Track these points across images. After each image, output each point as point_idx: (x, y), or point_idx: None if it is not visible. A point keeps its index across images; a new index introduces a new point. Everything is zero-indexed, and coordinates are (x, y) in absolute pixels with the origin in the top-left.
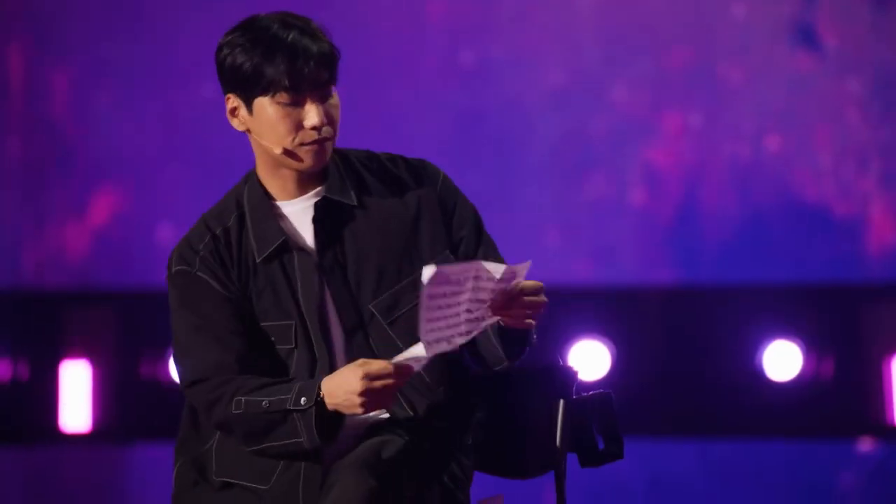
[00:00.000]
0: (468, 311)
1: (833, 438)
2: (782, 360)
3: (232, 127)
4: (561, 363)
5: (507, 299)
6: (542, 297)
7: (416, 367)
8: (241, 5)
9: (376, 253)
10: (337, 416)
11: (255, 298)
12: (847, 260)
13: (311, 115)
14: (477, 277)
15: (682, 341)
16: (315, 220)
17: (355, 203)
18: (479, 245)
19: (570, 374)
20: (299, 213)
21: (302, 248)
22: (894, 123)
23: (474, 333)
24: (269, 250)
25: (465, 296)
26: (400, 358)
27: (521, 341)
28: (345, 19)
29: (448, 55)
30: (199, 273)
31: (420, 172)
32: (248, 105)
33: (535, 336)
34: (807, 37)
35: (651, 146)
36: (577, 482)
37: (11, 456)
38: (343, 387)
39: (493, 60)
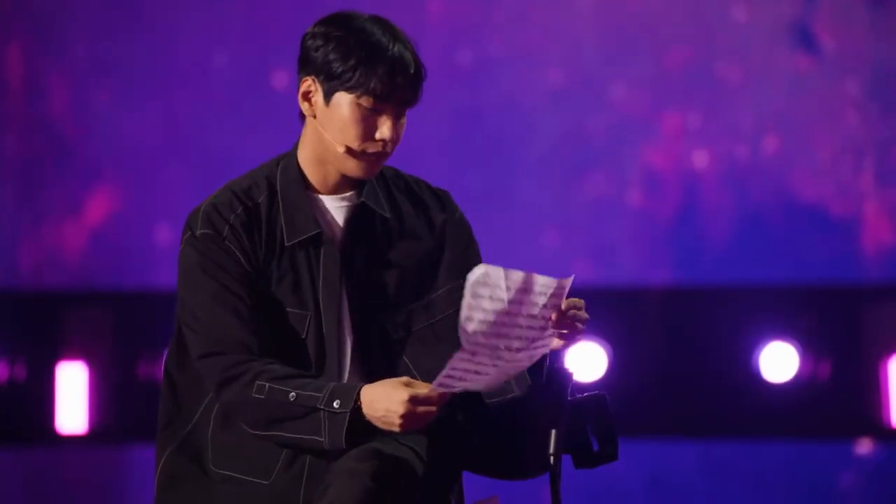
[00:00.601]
0: (520, 326)
1: (831, 439)
2: (779, 361)
3: (232, 125)
4: (557, 364)
5: (557, 316)
6: (585, 314)
7: (457, 390)
8: (241, 4)
9: (398, 268)
10: (367, 425)
11: (274, 282)
12: (844, 260)
13: (385, 127)
14: (526, 290)
15: (679, 342)
16: (348, 222)
17: (387, 214)
18: None
19: (565, 376)
20: (334, 210)
21: (329, 244)
22: (892, 124)
23: (535, 355)
24: (301, 238)
25: (518, 307)
26: (442, 374)
27: (539, 365)
28: None
29: (447, 54)
30: (227, 242)
31: (443, 201)
32: (328, 95)
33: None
34: (805, 38)
35: (650, 146)
36: (574, 483)
37: (9, 457)
38: (384, 403)
39: (491, 59)
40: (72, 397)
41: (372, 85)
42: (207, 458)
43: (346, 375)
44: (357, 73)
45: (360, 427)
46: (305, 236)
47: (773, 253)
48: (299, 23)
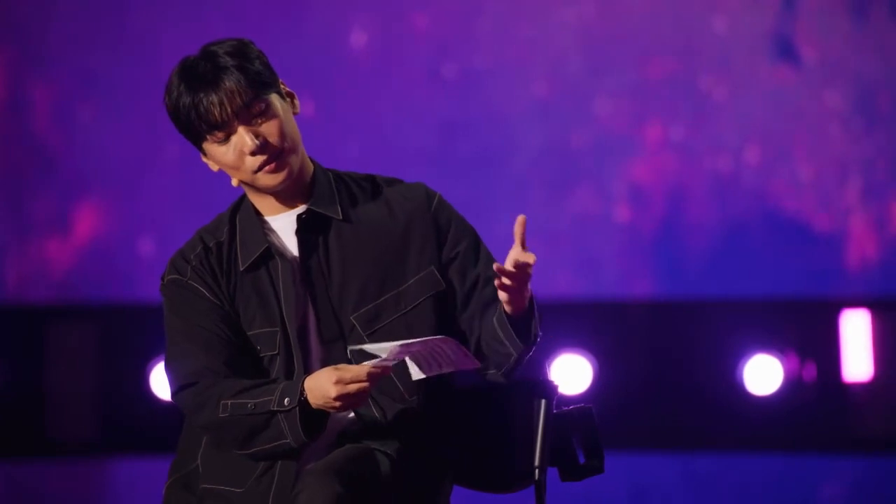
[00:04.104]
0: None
1: (814, 452)
2: (763, 374)
3: None
4: (542, 377)
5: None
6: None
7: (391, 365)
8: (224, 16)
9: (361, 265)
10: (321, 413)
11: (242, 308)
12: (828, 274)
13: (245, 141)
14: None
15: (664, 355)
16: (298, 232)
17: (340, 217)
18: (477, 261)
19: (550, 388)
20: (286, 227)
21: (286, 258)
22: (874, 137)
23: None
24: (253, 258)
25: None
26: (375, 360)
27: (525, 329)
28: (329, 31)
29: (432, 67)
30: (190, 281)
31: (415, 193)
32: (203, 153)
33: (538, 328)
34: (786, 50)
35: (633, 159)
36: (558, 496)
37: None
38: (320, 390)
39: (476, 72)
40: (59, 410)
41: (199, 125)
42: (198, 478)
43: None
44: (189, 126)
45: (315, 418)
46: (256, 255)
47: (758, 266)
48: (283, 35)
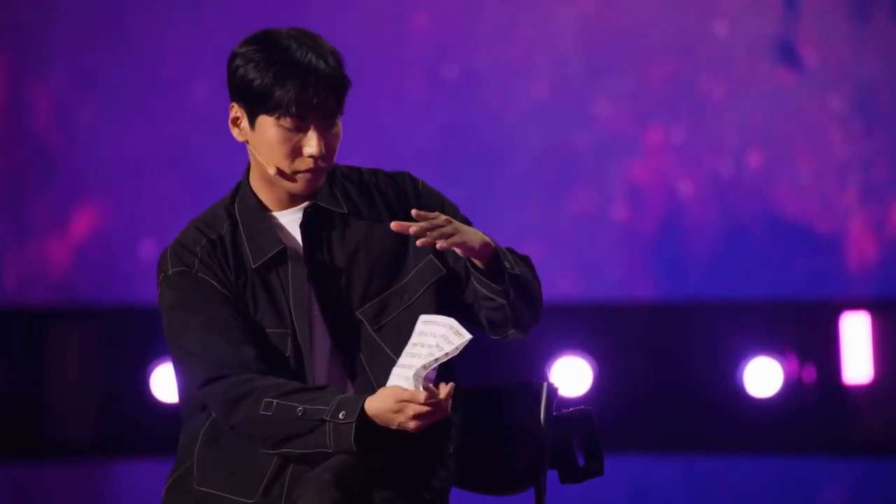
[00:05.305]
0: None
1: (814, 454)
2: (763, 376)
3: (216, 139)
4: (541, 379)
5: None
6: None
7: (433, 375)
8: (224, 16)
9: (365, 260)
10: (377, 432)
11: (251, 304)
12: (828, 276)
13: (313, 143)
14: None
15: (664, 357)
16: (303, 226)
17: (345, 210)
18: None
19: (550, 390)
20: (292, 223)
21: (295, 257)
22: (875, 139)
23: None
24: (266, 258)
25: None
26: (414, 381)
27: (497, 270)
28: (328, 31)
29: (432, 68)
30: (199, 273)
31: (399, 183)
32: (252, 119)
33: (513, 266)
34: (787, 53)
35: (633, 161)
36: (558, 498)
37: None
38: (395, 421)
39: (476, 74)
40: (59, 412)
41: (287, 104)
42: (191, 477)
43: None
44: (271, 95)
45: (369, 434)
46: (269, 255)
47: (758, 268)
48: None
